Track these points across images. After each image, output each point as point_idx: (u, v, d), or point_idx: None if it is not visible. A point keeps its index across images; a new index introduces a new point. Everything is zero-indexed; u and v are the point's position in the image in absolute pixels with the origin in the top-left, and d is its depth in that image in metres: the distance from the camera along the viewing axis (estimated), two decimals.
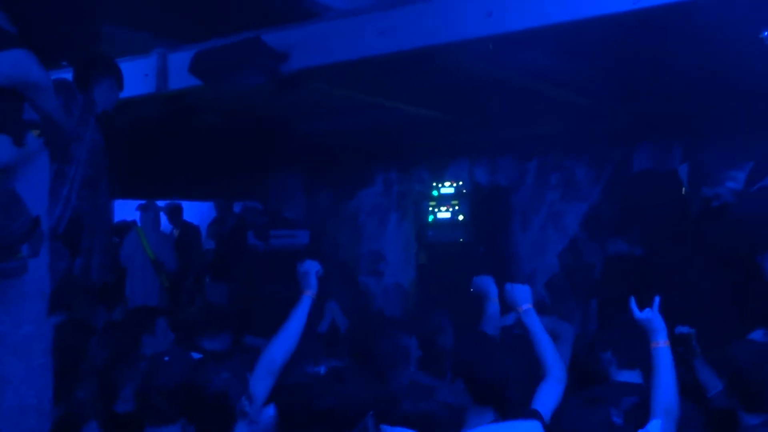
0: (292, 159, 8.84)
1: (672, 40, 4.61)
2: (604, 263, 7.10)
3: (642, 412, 3.37)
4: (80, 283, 4.28)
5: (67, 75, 4.49)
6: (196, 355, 3.55)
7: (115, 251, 7.91)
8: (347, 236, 9.13)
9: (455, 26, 4.43)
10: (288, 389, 3.17)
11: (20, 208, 2.91)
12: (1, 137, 2.97)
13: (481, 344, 3.71)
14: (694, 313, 4.59)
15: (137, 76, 5.45)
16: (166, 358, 3.39)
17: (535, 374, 3.59)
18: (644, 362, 3.47)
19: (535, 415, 3.30)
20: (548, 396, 3.45)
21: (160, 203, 9.20)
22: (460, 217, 8.20)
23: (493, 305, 4.38)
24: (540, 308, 3.96)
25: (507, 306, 4.09)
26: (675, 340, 4.18)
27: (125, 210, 9.13)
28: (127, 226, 8.83)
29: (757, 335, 4.00)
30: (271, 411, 3.20)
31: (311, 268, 3.66)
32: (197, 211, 10.85)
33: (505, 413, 3.31)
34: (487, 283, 4.46)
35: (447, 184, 8.38)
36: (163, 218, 9.34)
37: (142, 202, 8.72)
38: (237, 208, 9.91)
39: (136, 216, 8.82)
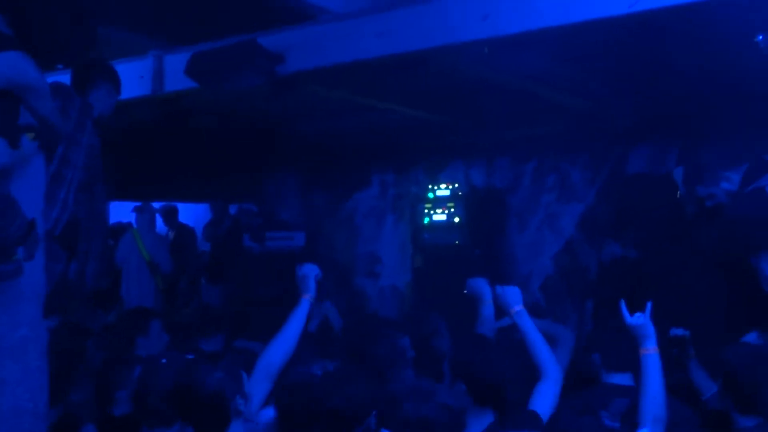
0: (288, 161, 8.84)
1: (667, 44, 4.63)
2: (599, 266, 7.11)
3: (634, 415, 3.38)
4: (76, 287, 4.28)
5: (65, 78, 4.48)
6: (192, 357, 3.56)
7: (111, 253, 7.91)
8: (343, 238, 9.13)
9: (451, 29, 4.43)
10: (290, 389, 3.19)
11: (16, 211, 2.91)
12: None
13: (479, 346, 3.73)
14: (689, 315, 4.61)
15: (133, 78, 5.44)
16: (163, 361, 3.40)
17: (532, 375, 3.61)
18: (634, 365, 3.47)
19: (532, 416, 3.32)
20: (545, 397, 3.49)
21: (156, 205, 9.20)
22: (456, 220, 8.20)
23: (488, 307, 4.40)
24: (535, 310, 3.98)
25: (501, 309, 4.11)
26: (670, 342, 4.21)
27: (121, 211, 9.13)
28: (122, 228, 8.83)
29: (751, 338, 4.01)
30: (270, 412, 3.21)
31: (310, 271, 3.67)
32: (192, 213, 10.85)
33: (504, 414, 3.33)
34: (481, 285, 4.48)
35: (443, 186, 8.38)
36: (159, 220, 9.34)
37: (138, 203, 8.73)
38: (232, 210, 9.91)
39: (131, 218, 8.82)
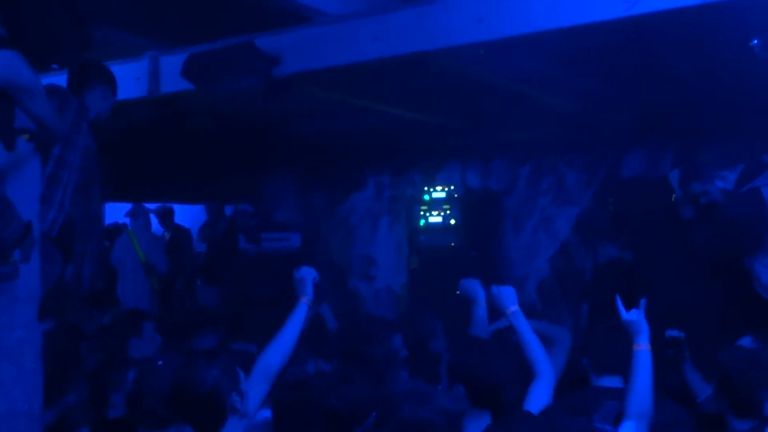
0: (284, 162, 8.83)
1: (663, 48, 4.64)
2: (595, 267, 7.12)
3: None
4: (72, 289, 4.28)
5: (61, 80, 4.48)
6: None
7: (106, 255, 7.90)
8: (339, 240, 9.13)
9: (447, 32, 4.44)
10: (286, 387, 3.20)
11: (12, 214, 2.91)
12: None
13: (476, 348, 3.74)
14: (684, 317, 4.62)
15: (129, 79, 5.44)
16: (159, 362, 3.40)
17: (527, 376, 3.62)
18: (624, 368, 3.48)
19: (527, 417, 3.34)
20: (539, 397, 3.51)
21: (151, 206, 9.19)
22: (452, 222, 8.20)
23: (481, 309, 4.43)
24: (531, 313, 3.99)
25: (497, 309, 4.12)
26: (665, 343, 4.22)
27: (117, 213, 9.11)
28: (118, 229, 8.81)
29: (745, 342, 4.03)
30: (266, 413, 3.21)
31: (308, 274, 3.67)
32: (188, 214, 10.84)
33: (501, 416, 3.35)
34: (474, 287, 4.50)
35: (439, 188, 8.38)
36: (154, 221, 9.33)
37: (133, 204, 8.71)
38: (228, 211, 9.91)
39: (127, 219, 8.81)
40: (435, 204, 8.34)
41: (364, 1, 5.07)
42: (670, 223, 5.21)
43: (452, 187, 8.34)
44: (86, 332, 4.99)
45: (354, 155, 8.51)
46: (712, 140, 5.77)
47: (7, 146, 3.02)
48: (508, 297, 3.86)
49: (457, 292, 4.56)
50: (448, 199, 8.31)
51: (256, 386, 3.20)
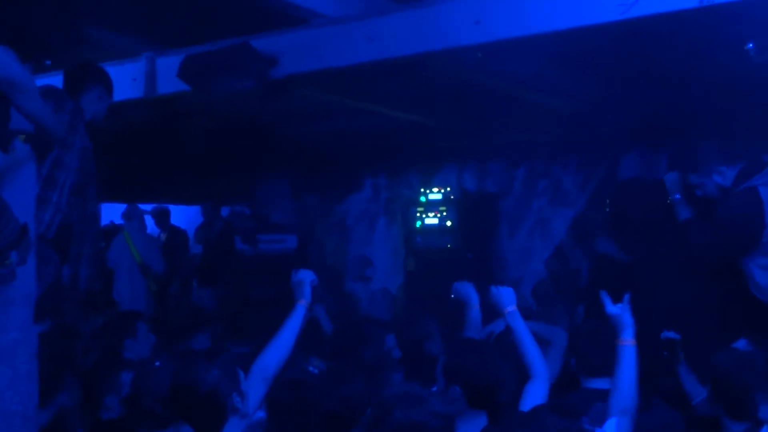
0: (281, 163, 8.83)
1: (659, 51, 4.65)
2: (592, 262, 7.11)
3: None
4: (68, 291, 4.27)
5: (57, 81, 4.48)
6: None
7: (103, 255, 7.89)
8: (335, 241, 9.14)
9: (443, 34, 4.44)
10: (283, 388, 3.20)
11: (8, 216, 2.90)
12: None
13: (473, 349, 3.75)
14: (679, 319, 4.63)
15: (125, 80, 5.43)
16: (157, 364, 3.40)
17: (523, 377, 3.64)
18: (611, 370, 3.46)
19: (522, 418, 3.34)
20: (534, 397, 3.53)
21: (148, 207, 9.18)
22: (448, 223, 8.21)
23: (474, 311, 4.45)
24: (527, 314, 4.00)
25: (492, 312, 4.13)
26: (661, 345, 4.23)
27: (113, 214, 9.11)
28: (114, 229, 8.81)
29: (740, 344, 4.03)
30: (260, 413, 3.22)
31: (306, 277, 3.67)
32: (184, 216, 10.84)
33: (497, 416, 3.35)
34: (468, 290, 4.52)
35: (435, 190, 8.39)
36: (150, 222, 9.32)
37: (130, 206, 8.70)
38: (224, 212, 9.90)
39: (122, 220, 8.79)
40: (431, 205, 8.35)
41: (361, 2, 5.06)
42: (667, 225, 5.20)
43: (448, 189, 8.35)
44: (82, 333, 4.98)
45: (350, 157, 8.52)
46: (710, 142, 5.77)
47: (2, 148, 3.02)
48: (507, 297, 3.88)
49: (452, 296, 4.58)
50: (445, 200, 8.32)
51: (253, 388, 3.20)
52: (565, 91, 5.97)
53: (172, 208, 10.12)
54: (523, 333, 3.71)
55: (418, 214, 8.41)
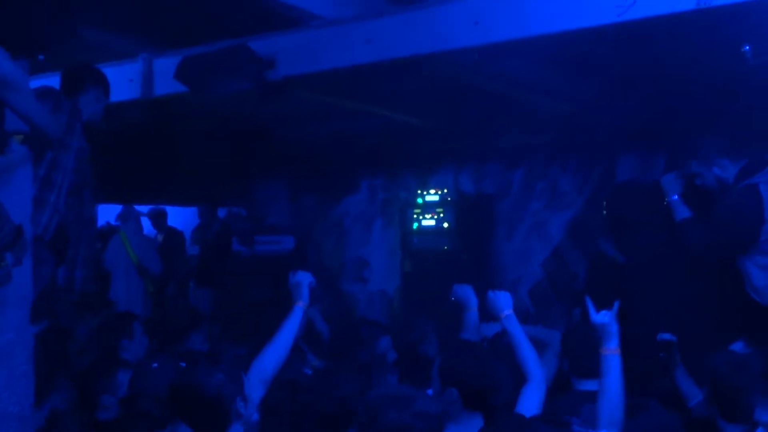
0: (278, 165, 8.83)
1: (656, 53, 4.65)
2: (589, 264, 7.11)
3: None
4: (63, 292, 4.27)
5: (54, 82, 4.47)
6: (183, 364, 3.55)
7: (99, 257, 7.88)
8: (332, 242, 9.13)
9: (441, 35, 4.44)
10: (277, 389, 3.20)
11: (4, 217, 2.90)
12: None
13: (468, 351, 3.76)
14: (676, 321, 4.63)
15: (122, 81, 5.43)
16: (154, 365, 3.40)
17: (519, 380, 3.64)
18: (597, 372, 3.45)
19: (519, 419, 3.35)
20: (531, 399, 3.54)
21: (144, 208, 9.17)
22: (445, 225, 8.21)
23: (472, 314, 4.46)
24: (524, 317, 4.01)
25: (488, 314, 4.14)
26: (657, 347, 4.23)
27: (110, 214, 9.10)
28: (110, 230, 8.79)
29: (737, 347, 4.04)
30: (255, 416, 3.22)
31: (303, 278, 3.68)
32: (181, 217, 10.83)
33: (493, 418, 3.35)
34: (467, 293, 4.53)
35: (432, 191, 8.39)
36: (147, 223, 9.30)
37: (126, 207, 8.69)
38: (221, 213, 9.89)
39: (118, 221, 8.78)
40: (428, 207, 8.35)
41: (359, 4, 5.07)
42: (665, 226, 5.21)
43: (445, 191, 8.35)
44: (76, 335, 4.97)
45: (348, 158, 8.51)
46: (708, 142, 5.78)
47: None
48: (504, 301, 3.89)
49: (451, 298, 4.59)
50: (442, 202, 8.32)
51: (251, 390, 3.20)
52: (563, 92, 5.97)
53: (169, 209, 10.11)
54: (520, 337, 3.72)
55: (415, 216, 8.41)
